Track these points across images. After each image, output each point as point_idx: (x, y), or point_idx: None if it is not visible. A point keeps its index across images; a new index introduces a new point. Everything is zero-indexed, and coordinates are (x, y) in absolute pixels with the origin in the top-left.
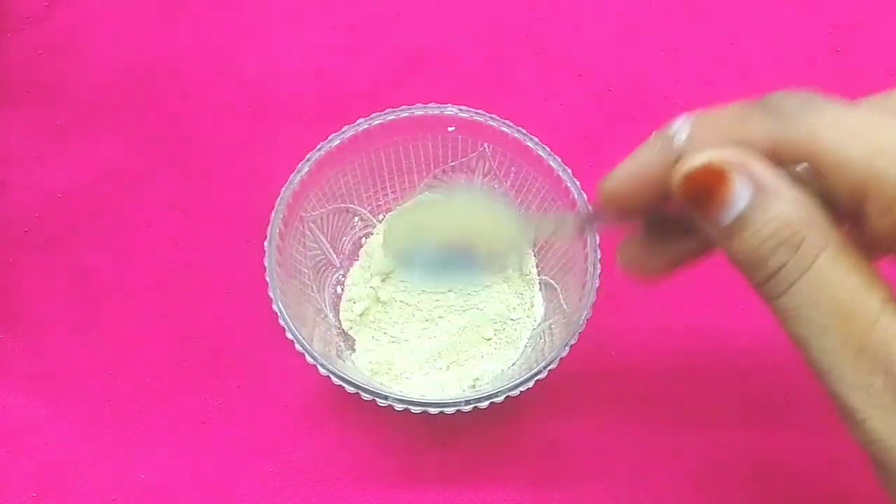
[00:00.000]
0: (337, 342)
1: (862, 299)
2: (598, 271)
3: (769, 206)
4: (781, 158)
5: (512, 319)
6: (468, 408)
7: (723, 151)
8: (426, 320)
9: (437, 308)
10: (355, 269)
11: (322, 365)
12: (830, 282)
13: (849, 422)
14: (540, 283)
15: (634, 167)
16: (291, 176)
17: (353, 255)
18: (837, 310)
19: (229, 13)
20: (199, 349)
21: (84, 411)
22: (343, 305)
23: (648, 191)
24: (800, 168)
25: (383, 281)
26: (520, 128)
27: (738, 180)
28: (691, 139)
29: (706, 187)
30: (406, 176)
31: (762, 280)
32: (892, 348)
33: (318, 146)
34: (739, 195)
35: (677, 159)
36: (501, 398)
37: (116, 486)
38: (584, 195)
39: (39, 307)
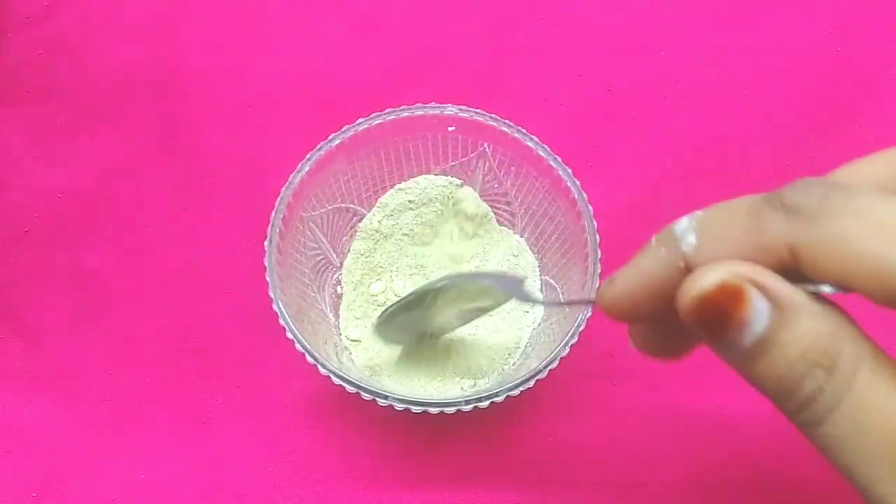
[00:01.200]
0: (337, 342)
1: None
2: (598, 271)
3: (793, 325)
4: (804, 265)
5: (512, 320)
6: (468, 408)
7: (735, 267)
8: None
9: None
10: (348, 264)
11: (322, 365)
12: (876, 403)
13: None
14: (540, 283)
15: (636, 276)
16: (291, 176)
17: None
18: (887, 435)
19: (229, 13)
20: (199, 349)
21: (84, 411)
22: (343, 306)
23: (653, 300)
24: (819, 288)
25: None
26: (520, 128)
27: (755, 298)
28: (699, 246)
29: (721, 308)
30: (406, 176)
31: (796, 408)
32: None
33: (318, 146)
34: (759, 316)
35: (684, 266)
36: (501, 398)
37: (116, 486)
38: (585, 195)
39: (39, 307)
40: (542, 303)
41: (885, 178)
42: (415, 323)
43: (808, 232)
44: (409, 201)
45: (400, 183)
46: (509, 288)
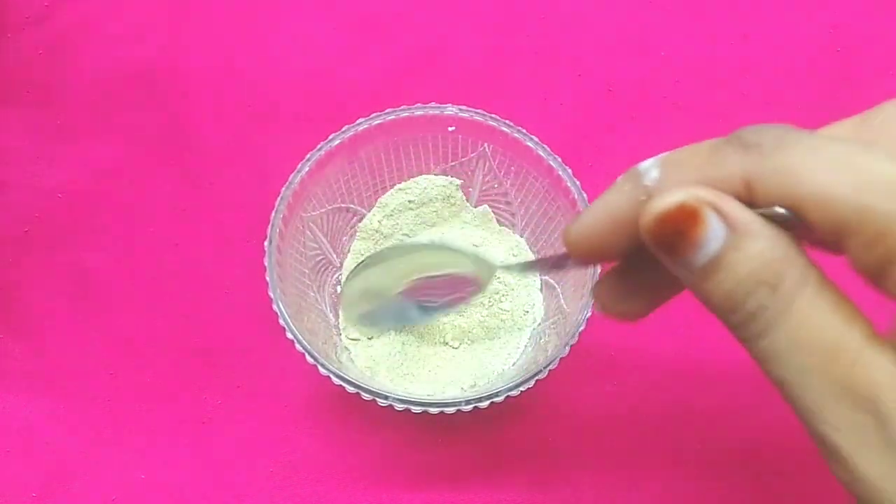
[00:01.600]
0: (337, 342)
1: (844, 337)
2: (598, 271)
3: (745, 246)
4: (757, 195)
5: (512, 319)
6: (468, 408)
7: (694, 190)
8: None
9: None
10: (348, 264)
11: (322, 365)
12: (812, 321)
13: (832, 461)
14: (540, 283)
15: (601, 211)
16: (291, 176)
17: None
18: (820, 349)
19: (229, 13)
20: (199, 349)
21: (84, 411)
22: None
23: (618, 236)
24: (773, 210)
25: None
26: (520, 128)
27: (711, 219)
28: (661, 179)
29: (678, 228)
30: (406, 176)
31: (739, 322)
32: (877, 386)
33: (318, 146)
34: (713, 235)
35: (647, 199)
36: (501, 398)
37: (116, 486)
38: (585, 195)
39: (39, 307)
40: (507, 269)
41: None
42: (379, 287)
43: (762, 163)
44: (409, 201)
45: (400, 183)
46: (478, 264)
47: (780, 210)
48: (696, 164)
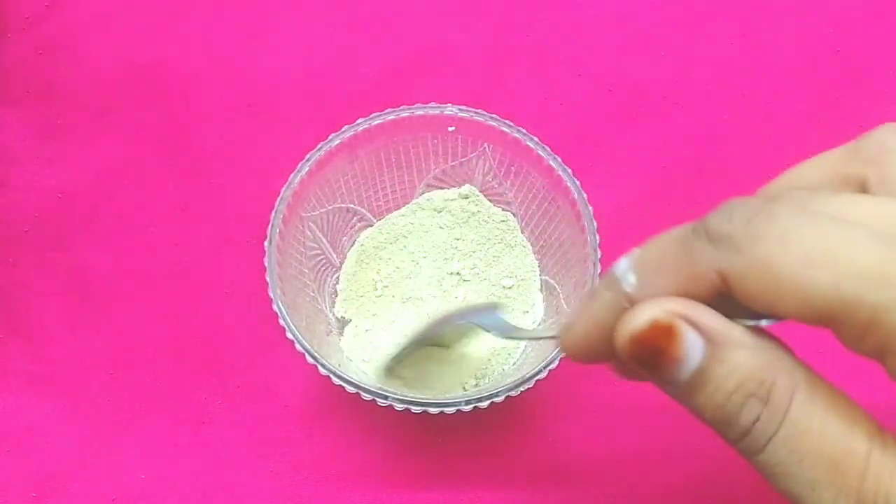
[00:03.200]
0: (337, 342)
1: (847, 441)
2: (598, 271)
3: (727, 357)
4: (735, 291)
5: (512, 320)
6: (468, 408)
7: (666, 304)
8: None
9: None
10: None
11: (322, 365)
12: (811, 430)
13: None
14: (540, 283)
15: (589, 324)
16: (291, 176)
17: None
18: (825, 460)
19: (229, 13)
20: (199, 349)
21: (84, 411)
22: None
23: (609, 343)
24: (758, 324)
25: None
26: (520, 128)
27: (687, 334)
28: (638, 285)
29: (655, 346)
30: (406, 176)
31: (736, 437)
32: (891, 494)
33: (318, 146)
34: (692, 348)
35: (630, 306)
36: (501, 398)
37: (116, 486)
38: (585, 195)
39: (39, 307)
40: (513, 337)
41: (827, 178)
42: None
43: (734, 259)
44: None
45: (401, 192)
46: (486, 322)
47: (765, 322)
48: (670, 264)
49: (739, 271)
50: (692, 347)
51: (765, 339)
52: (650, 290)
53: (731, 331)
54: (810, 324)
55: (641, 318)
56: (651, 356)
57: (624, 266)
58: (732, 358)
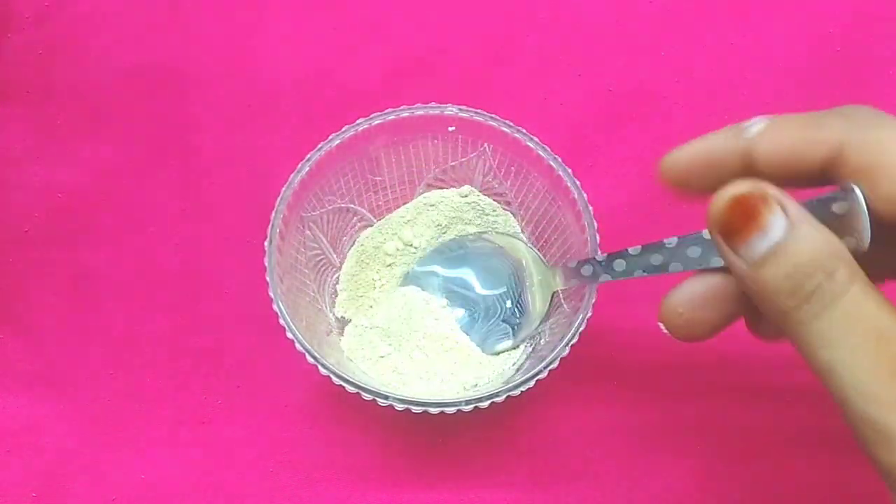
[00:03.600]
0: (337, 342)
1: (894, 325)
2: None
3: (805, 236)
4: (846, 160)
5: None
6: (468, 408)
7: (763, 184)
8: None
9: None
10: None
11: (322, 365)
12: (866, 306)
13: (877, 445)
14: None
15: (701, 145)
16: (291, 176)
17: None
18: (873, 331)
19: (229, 13)
20: (199, 349)
21: (84, 411)
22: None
23: (707, 172)
24: (848, 185)
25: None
26: (520, 128)
27: (777, 209)
28: (764, 132)
29: (748, 211)
30: (406, 176)
31: (796, 304)
32: None
33: (318, 146)
34: (776, 224)
35: (743, 147)
36: (502, 398)
37: (116, 486)
38: (585, 195)
39: (39, 307)
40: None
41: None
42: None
43: (858, 133)
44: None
45: (401, 192)
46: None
47: (856, 188)
48: (798, 124)
49: (857, 143)
50: (776, 221)
51: (835, 237)
52: (772, 139)
53: (812, 219)
54: (884, 211)
55: (744, 184)
56: (742, 220)
57: (755, 119)
58: (809, 237)
